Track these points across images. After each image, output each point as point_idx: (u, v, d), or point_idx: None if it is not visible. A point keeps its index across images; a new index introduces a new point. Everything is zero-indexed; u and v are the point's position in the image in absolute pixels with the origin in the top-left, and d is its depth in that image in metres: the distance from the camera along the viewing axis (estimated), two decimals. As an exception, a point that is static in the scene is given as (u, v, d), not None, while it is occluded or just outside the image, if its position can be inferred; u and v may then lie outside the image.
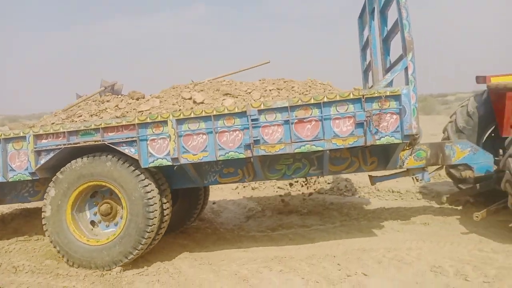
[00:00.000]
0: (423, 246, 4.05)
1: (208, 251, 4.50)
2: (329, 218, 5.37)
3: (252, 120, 3.66)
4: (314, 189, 6.88)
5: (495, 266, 3.46)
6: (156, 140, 3.80)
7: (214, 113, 3.71)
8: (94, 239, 4.02)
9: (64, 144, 3.92)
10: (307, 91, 4.27)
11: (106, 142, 3.84)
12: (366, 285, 3.35)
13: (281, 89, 4.33)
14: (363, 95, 3.61)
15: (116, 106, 4.46)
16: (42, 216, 4.04)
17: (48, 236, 4.04)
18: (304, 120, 3.67)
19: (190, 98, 4.28)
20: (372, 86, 5.00)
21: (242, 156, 3.75)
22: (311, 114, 3.65)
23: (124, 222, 3.90)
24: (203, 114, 3.73)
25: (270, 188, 7.23)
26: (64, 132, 3.92)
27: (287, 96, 4.10)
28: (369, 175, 4.60)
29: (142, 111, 4.16)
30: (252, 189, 7.30)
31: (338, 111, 3.64)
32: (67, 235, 3.98)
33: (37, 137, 4.00)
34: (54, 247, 4.04)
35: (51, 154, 3.98)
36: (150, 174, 3.96)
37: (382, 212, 5.35)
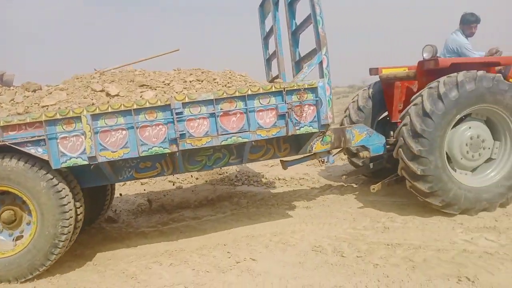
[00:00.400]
0: (305, 228, 4.37)
1: (93, 251, 4.26)
2: (220, 208, 5.45)
3: (177, 113, 3.53)
4: (206, 181, 6.92)
5: (366, 241, 3.89)
6: (68, 138, 3.44)
7: (135, 106, 3.48)
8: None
9: None
10: (228, 83, 4.22)
11: (7, 143, 3.38)
12: (254, 269, 3.50)
13: (202, 81, 4.21)
14: (284, 88, 3.76)
15: (12, 100, 3.87)
16: None
17: None
18: (230, 113, 3.68)
19: (102, 90, 3.91)
20: (277, 76, 5.22)
21: (167, 151, 3.61)
22: (235, 107, 3.68)
23: (35, 228, 3.54)
24: (122, 108, 3.47)
25: (160, 182, 7.08)
26: None
27: (211, 89, 4.01)
28: (281, 160, 4.83)
29: (47, 105, 3.67)
30: (141, 184, 7.07)
31: (261, 103, 3.74)
32: None
33: None
34: None
35: None
36: (60, 175, 3.61)
37: (269, 199, 5.62)
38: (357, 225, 4.36)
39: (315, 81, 3.86)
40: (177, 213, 5.43)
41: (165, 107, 3.54)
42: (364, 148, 4.66)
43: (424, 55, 4.82)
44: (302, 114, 3.84)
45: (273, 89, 3.75)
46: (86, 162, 3.50)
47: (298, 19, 4.50)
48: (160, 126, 3.56)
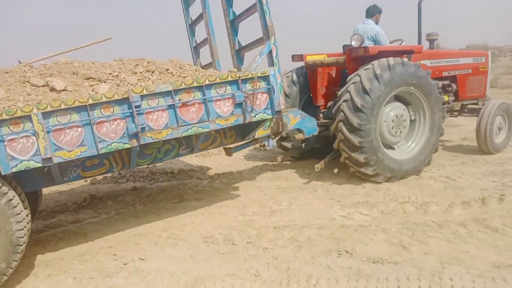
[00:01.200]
0: (196, 220, 4.31)
1: None
2: (104, 209, 5.09)
3: (135, 106, 3.38)
4: (86, 181, 6.40)
5: (255, 227, 3.98)
6: (16, 140, 3.08)
7: (90, 102, 3.25)
8: None
9: None
10: (181, 73, 4.03)
11: None
12: (143, 269, 3.35)
13: (153, 71, 3.98)
14: (239, 77, 3.82)
15: None
16: None
17: None
18: (188, 104, 3.65)
19: (45, 85, 3.50)
20: (210, 64, 5.31)
21: (127, 146, 3.45)
22: (193, 97, 3.66)
23: None
24: (77, 103, 3.21)
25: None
26: None
27: (167, 80, 3.83)
28: (224, 148, 4.94)
29: None
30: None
31: (218, 93, 3.76)
32: None
33: None
34: None
35: None
36: (5, 181, 3.17)
37: (157, 194, 5.42)
38: (247, 211, 4.45)
39: (267, 69, 4.00)
40: (53, 218, 4.93)
41: (123, 101, 3.37)
42: (299, 130, 4.84)
43: (353, 43, 5.33)
44: (256, 102, 3.96)
45: (229, 78, 3.79)
46: (40, 164, 3.17)
47: (235, 8, 4.63)
48: (118, 121, 3.39)
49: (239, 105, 3.86)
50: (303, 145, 5.89)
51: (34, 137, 3.12)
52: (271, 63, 4.18)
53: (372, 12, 5.90)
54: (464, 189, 4.52)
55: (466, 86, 6.37)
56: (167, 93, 3.54)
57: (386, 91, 4.79)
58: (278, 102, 4.05)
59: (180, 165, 6.54)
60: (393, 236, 3.47)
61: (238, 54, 4.76)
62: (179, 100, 3.60)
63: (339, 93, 5.03)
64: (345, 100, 4.75)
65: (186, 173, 6.36)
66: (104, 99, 3.30)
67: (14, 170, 3.09)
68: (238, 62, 4.77)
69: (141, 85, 3.60)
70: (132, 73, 3.94)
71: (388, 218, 3.88)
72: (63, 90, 3.49)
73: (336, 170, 5.39)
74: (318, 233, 3.67)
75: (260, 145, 4.74)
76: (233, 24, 4.73)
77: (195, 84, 3.65)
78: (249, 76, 3.90)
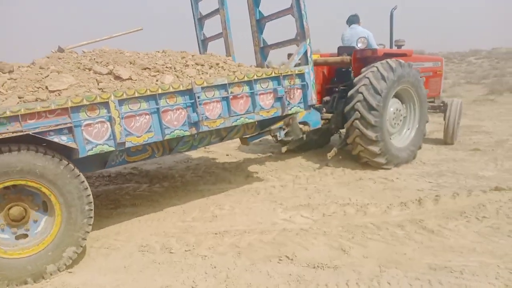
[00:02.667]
0: (131, 228, 4.06)
1: None
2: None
3: (197, 97, 3.72)
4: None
5: (195, 233, 3.82)
6: (92, 125, 3.26)
7: (159, 91, 3.54)
8: (16, 250, 3.11)
9: None
10: (229, 68, 4.40)
11: (30, 132, 3.00)
12: (70, 283, 3.08)
13: (203, 65, 4.34)
14: (281, 74, 4.33)
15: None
16: None
17: None
18: (238, 96, 4.05)
19: (109, 73, 3.70)
20: (212, 54, 5.34)
21: (187, 133, 3.79)
22: (242, 91, 4.07)
23: (60, 221, 3.23)
24: (148, 93, 3.48)
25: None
26: None
27: (219, 73, 4.24)
28: (241, 138, 5.14)
29: (59, 90, 3.32)
30: None
31: (262, 87, 4.21)
32: None
33: None
34: None
35: None
36: (73, 164, 3.29)
37: (91, 200, 5.07)
38: (187, 217, 4.26)
39: (303, 67, 4.58)
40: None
41: (186, 92, 3.71)
42: (305, 123, 4.99)
43: (359, 46, 5.89)
44: (292, 96, 4.47)
45: (273, 74, 4.28)
46: (113, 148, 3.39)
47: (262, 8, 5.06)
48: (180, 110, 3.70)
49: (279, 99, 4.37)
50: (304, 137, 5.88)
51: (108, 123, 3.32)
52: (306, 62, 4.72)
53: (355, 20, 6.57)
54: (402, 190, 4.63)
55: (429, 87, 6.87)
56: (222, 86, 3.93)
57: (391, 90, 5.40)
58: (310, 97, 4.64)
59: (118, 168, 6.18)
60: (334, 239, 3.45)
61: (263, 51, 5.19)
62: (231, 92, 3.99)
63: (350, 93, 5.45)
64: (359, 101, 5.25)
65: (124, 176, 6.03)
66: (171, 89, 3.60)
67: (90, 153, 3.27)
68: (262, 59, 5.20)
69: (201, 78, 3.97)
70: (184, 66, 4.24)
71: (329, 220, 3.87)
72: (128, 79, 3.67)
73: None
74: (259, 239, 3.57)
75: (272, 136, 5.15)
76: (259, 23, 5.13)
77: (245, 79, 4.07)
78: (289, 73, 4.42)
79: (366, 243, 3.33)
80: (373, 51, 5.68)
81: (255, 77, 4.14)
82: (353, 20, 6.57)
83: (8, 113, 2.89)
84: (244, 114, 4.11)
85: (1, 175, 2.94)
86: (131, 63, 3.98)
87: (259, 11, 5.06)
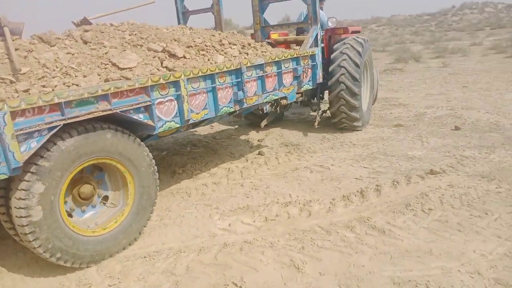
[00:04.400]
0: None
1: None
2: None
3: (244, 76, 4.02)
4: None
5: (120, 258, 3.21)
6: (163, 103, 3.36)
7: (217, 71, 3.73)
8: (94, 229, 3.13)
9: (62, 120, 2.70)
10: (255, 47, 4.77)
11: (118, 111, 3.01)
12: None
13: (235, 44, 4.58)
14: (300, 54, 4.80)
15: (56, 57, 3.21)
16: (25, 224, 2.66)
17: (39, 246, 2.75)
18: (269, 75, 4.41)
19: (164, 51, 3.85)
20: (215, 29, 6.00)
21: (232, 110, 4.05)
22: (272, 70, 4.43)
23: (133, 197, 3.31)
24: (208, 72, 3.68)
25: None
26: (58, 104, 2.66)
27: (259, 54, 4.58)
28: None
29: (130, 68, 3.35)
30: None
31: (285, 67, 4.60)
32: (70, 235, 2.93)
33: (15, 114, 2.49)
34: (52, 256, 2.84)
35: (43, 136, 2.63)
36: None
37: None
38: None
39: (315, 49, 5.15)
40: None
41: (234, 71, 3.95)
42: (284, 98, 5.02)
43: (329, 25, 6.24)
44: (306, 75, 4.98)
45: (295, 55, 4.72)
46: (178, 125, 3.53)
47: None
48: (228, 88, 3.94)
49: (296, 77, 4.84)
50: (277, 110, 6.15)
51: (175, 101, 3.45)
52: (316, 44, 5.33)
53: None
54: (340, 179, 4.42)
55: None
56: (260, 66, 4.25)
57: (363, 62, 6.09)
58: (318, 76, 5.24)
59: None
60: (283, 252, 3.08)
61: (263, 30, 5.78)
62: (265, 72, 4.32)
63: (331, 68, 5.97)
64: (343, 74, 5.84)
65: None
66: (225, 69, 3.80)
67: (160, 130, 3.37)
68: (262, 37, 5.77)
69: (245, 58, 4.26)
70: (220, 45, 4.41)
71: (274, 227, 3.50)
72: (182, 57, 3.80)
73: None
74: (198, 260, 3.07)
75: (259, 109, 5.67)
76: (262, 3, 5.68)
77: (276, 59, 4.44)
78: (305, 54, 4.92)
79: (319, 255, 3.02)
80: (345, 29, 6.40)
81: (283, 58, 4.54)
82: None
83: (100, 92, 2.86)
84: (272, 91, 4.50)
85: (89, 154, 2.94)
86: (175, 40, 4.11)
87: None
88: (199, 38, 4.34)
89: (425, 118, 6.89)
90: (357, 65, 5.87)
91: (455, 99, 8.33)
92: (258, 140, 6.12)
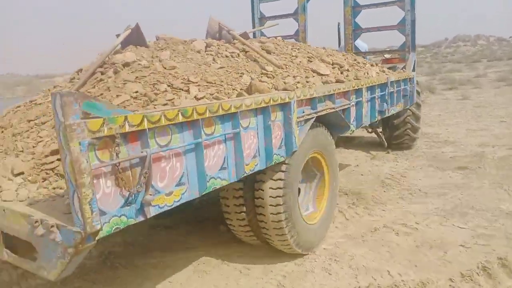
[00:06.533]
0: None
1: None
2: None
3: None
4: None
5: None
6: (353, 107, 3.83)
7: (368, 85, 4.06)
8: (309, 218, 3.40)
9: (314, 113, 3.13)
10: (372, 64, 5.34)
11: (338, 110, 3.47)
12: None
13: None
14: (409, 77, 5.49)
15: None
16: (281, 212, 2.86)
17: (290, 238, 3.00)
18: (393, 92, 4.88)
19: (332, 64, 4.21)
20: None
21: (373, 120, 4.46)
22: (395, 87, 4.95)
23: (328, 190, 3.62)
24: (378, 83, 4.31)
25: None
26: (311, 99, 3.08)
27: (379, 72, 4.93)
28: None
29: (326, 74, 3.69)
30: None
31: (396, 87, 5.00)
32: (303, 223, 3.18)
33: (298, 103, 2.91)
34: (298, 245, 3.13)
35: (303, 126, 3.04)
36: None
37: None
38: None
39: (413, 73, 5.77)
40: None
41: (383, 85, 4.51)
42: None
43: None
44: (412, 94, 5.64)
45: (405, 77, 5.34)
46: (354, 128, 3.93)
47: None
48: (376, 99, 4.38)
49: (404, 96, 5.31)
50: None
51: (356, 106, 3.92)
52: (414, 69, 5.91)
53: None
54: (442, 247, 3.41)
55: None
56: (392, 83, 4.75)
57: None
58: (414, 96, 5.76)
59: None
60: None
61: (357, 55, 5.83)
62: (395, 88, 4.93)
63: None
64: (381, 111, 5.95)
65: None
66: (376, 82, 4.26)
67: (352, 129, 3.86)
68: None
69: (386, 76, 4.69)
70: (357, 63, 4.83)
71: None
72: (326, 74, 3.73)
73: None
74: None
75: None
76: (355, 32, 6.47)
77: (400, 78, 5.15)
78: (409, 77, 5.50)
79: None
80: (394, 60, 6.74)
81: (402, 78, 5.21)
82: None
83: (331, 92, 3.30)
84: (393, 106, 4.89)
85: (314, 146, 3.24)
86: (330, 55, 4.54)
87: (355, 22, 6.48)
88: (326, 55, 4.56)
89: (487, 159, 5.98)
90: (418, 92, 6.28)
91: (503, 136, 7.51)
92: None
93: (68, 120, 1.43)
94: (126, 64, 2.92)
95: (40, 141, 2.44)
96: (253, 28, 6.76)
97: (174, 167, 1.95)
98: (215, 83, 2.77)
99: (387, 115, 4.77)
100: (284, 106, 2.75)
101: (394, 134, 6.62)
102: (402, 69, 5.96)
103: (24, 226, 1.76)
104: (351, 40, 6.45)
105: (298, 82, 3.23)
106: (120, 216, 1.71)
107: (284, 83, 3.04)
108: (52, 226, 1.61)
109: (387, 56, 7.43)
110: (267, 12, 7.17)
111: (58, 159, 2.14)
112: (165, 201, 1.90)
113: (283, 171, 2.86)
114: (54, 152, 2.17)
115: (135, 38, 3.27)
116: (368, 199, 4.58)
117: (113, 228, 1.68)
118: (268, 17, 7.09)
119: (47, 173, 2.10)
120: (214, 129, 2.18)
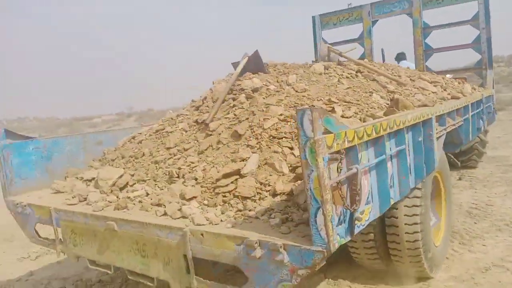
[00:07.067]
0: None
1: None
2: None
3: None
4: None
5: None
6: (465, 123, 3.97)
7: (479, 98, 4.59)
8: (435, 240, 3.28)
9: (443, 129, 3.21)
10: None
11: (456, 126, 3.63)
12: None
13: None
14: (492, 95, 5.65)
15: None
16: (419, 231, 2.68)
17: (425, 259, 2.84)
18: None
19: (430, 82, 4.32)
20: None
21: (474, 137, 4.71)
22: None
23: (445, 210, 3.58)
24: (479, 98, 4.65)
25: None
26: (442, 115, 3.17)
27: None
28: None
29: (434, 92, 3.95)
30: None
31: (482, 106, 4.89)
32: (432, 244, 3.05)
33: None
34: (430, 268, 3.00)
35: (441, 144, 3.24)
36: None
37: None
38: None
39: (493, 90, 5.88)
40: None
41: (478, 101, 4.63)
42: None
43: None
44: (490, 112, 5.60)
45: (489, 94, 5.37)
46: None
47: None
48: (475, 116, 4.44)
49: (488, 113, 5.33)
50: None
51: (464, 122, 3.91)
52: (492, 86, 5.97)
53: (403, 57, 7.27)
54: None
55: None
56: (479, 101, 4.73)
57: None
58: (495, 114, 6.01)
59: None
60: None
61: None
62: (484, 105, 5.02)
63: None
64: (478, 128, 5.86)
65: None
66: (479, 98, 4.58)
67: (464, 144, 4.45)
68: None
69: (481, 92, 4.94)
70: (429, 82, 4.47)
71: None
72: (434, 92, 3.96)
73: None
74: None
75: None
76: (426, 53, 6.59)
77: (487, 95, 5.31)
78: (492, 94, 5.71)
79: None
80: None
81: (487, 95, 5.28)
82: (401, 57, 7.24)
83: (451, 109, 3.36)
84: (484, 123, 4.97)
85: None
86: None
87: (425, 43, 6.62)
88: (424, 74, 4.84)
89: None
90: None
91: None
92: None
93: (317, 135, 1.41)
94: (255, 90, 2.95)
95: (195, 166, 2.44)
96: (316, 55, 6.85)
97: (366, 184, 1.90)
98: (353, 103, 2.75)
99: (481, 132, 4.92)
100: (425, 123, 2.68)
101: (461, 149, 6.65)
102: (481, 86, 5.95)
103: (230, 249, 1.72)
104: (423, 61, 6.56)
105: (419, 100, 3.19)
106: (338, 235, 1.65)
107: (418, 100, 3.01)
108: (280, 247, 1.57)
109: (449, 76, 7.34)
110: (329, 39, 7.26)
111: (232, 182, 2.13)
112: (361, 220, 1.84)
113: (419, 189, 2.69)
114: (227, 175, 2.15)
115: (252, 65, 3.32)
116: (461, 232, 4.30)
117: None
118: (331, 43, 7.16)
119: (224, 196, 2.08)
120: (390, 145, 2.13)
